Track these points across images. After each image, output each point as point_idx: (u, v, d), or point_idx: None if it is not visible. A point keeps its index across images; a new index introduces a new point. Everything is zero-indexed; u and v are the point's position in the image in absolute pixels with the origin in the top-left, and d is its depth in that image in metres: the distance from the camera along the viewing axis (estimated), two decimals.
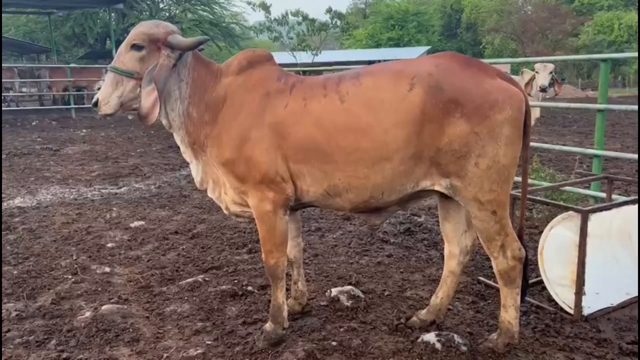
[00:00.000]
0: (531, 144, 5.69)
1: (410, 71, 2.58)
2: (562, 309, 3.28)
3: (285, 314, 3.01)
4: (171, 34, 2.77)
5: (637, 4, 36.49)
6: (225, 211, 3.07)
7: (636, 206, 3.50)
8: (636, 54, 5.07)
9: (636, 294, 3.37)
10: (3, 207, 6.03)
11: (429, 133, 2.52)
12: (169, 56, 2.75)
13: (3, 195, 6.61)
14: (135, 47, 2.75)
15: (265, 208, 2.77)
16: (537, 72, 8.20)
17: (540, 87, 8.12)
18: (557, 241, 3.33)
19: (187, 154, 3.03)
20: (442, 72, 2.54)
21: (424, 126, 2.52)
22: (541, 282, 3.47)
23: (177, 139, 3.02)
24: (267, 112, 2.72)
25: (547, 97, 9.35)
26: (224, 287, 3.75)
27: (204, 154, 2.93)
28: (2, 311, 3.41)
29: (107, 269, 4.18)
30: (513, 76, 8.83)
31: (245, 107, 2.77)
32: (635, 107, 4.93)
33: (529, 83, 8.30)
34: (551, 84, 8.27)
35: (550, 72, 8.15)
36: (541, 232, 3.51)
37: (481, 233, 2.70)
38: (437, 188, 2.66)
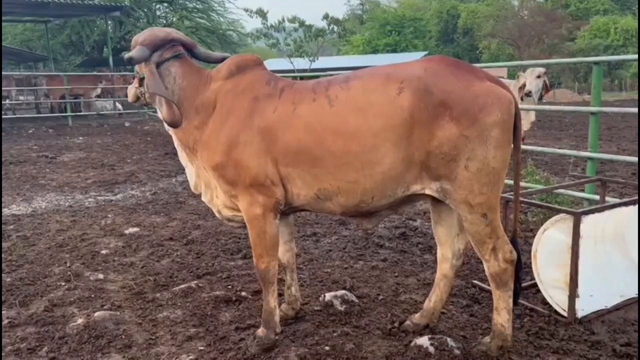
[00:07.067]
0: (526, 147, 5.75)
1: (399, 75, 2.58)
2: (555, 312, 3.27)
3: (277, 318, 3.00)
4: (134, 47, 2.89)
5: (637, 9, 36.62)
6: (217, 215, 3.10)
7: (629, 208, 3.49)
8: (628, 57, 5.08)
9: (630, 296, 3.37)
10: None
11: (418, 136, 2.52)
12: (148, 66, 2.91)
13: None
14: None
15: (255, 212, 2.77)
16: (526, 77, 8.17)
17: (525, 92, 8.08)
18: (550, 243, 3.32)
19: (182, 157, 3.12)
20: (431, 76, 2.54)
21: (413, 130, 2.51)
22: (535, 284, 3.46)
23: (175, 143, 3.12)
24: (256, 116, 2.73)
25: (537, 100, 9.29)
26: (217, 292, 3.74)
27: (196, 158, 2.97)
28: None
29: (101, 276, 4.16)
30: (509, 81, 8.84)
31: (235, 111, 2.78)
32: (629, 110, 4.95)
33: (524, 87, 8.28)
34: (543, 88, 8.24)
35: (539, 76, 8.10)
36: (535, 235, 3.50)
37: (472, 236, 2.69)
38: (427, 192, 2.65)
